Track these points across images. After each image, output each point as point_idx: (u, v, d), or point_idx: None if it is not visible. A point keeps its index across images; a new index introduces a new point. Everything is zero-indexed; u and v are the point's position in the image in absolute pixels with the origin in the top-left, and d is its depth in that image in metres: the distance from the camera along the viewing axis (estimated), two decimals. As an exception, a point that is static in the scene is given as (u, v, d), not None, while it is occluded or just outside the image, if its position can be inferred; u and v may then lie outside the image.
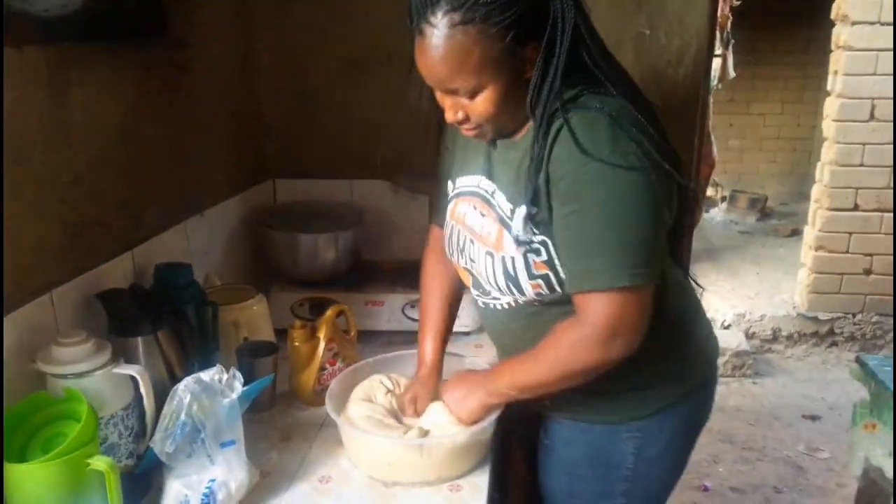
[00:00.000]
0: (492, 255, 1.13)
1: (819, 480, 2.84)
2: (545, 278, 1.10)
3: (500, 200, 1.13)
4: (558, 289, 1.10)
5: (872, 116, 3.61)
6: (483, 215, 1.16)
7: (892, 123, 3.60)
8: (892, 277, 3.80)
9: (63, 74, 1.17)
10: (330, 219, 1.91)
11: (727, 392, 3.53)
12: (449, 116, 1.08)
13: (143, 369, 1.10)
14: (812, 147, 6.17)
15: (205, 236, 1.68)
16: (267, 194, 2.05)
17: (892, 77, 3.52)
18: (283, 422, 1.38)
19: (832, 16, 3.66)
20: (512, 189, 1.11)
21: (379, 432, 1.20)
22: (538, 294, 1.12)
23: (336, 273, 1.86)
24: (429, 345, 1.34)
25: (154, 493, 1.11)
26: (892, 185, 3.69)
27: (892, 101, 3.56)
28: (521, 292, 1.13)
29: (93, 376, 1.05)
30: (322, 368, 1.42)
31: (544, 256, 1.08)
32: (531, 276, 1.10)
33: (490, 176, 1.17)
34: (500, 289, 1.16)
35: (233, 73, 1.86)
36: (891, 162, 3.65)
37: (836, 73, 3.67)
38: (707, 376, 1.29)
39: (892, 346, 3.87)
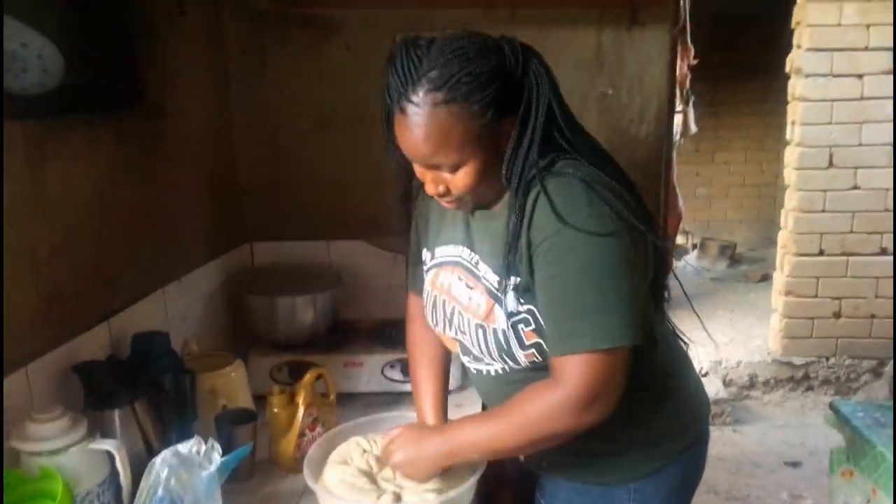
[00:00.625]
0: (483, 327, 1.13)
1: (803, 527, 2.84)
2: (537, 347, 1.10)
3: (486, 272, 1.14)
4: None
5: (831, 164, 3.74)
6: (470, 287, 1.16)
7: (851, 170, 3.73)
8: (861, 320, 3.88)
9: (40, 148, 1.18)
10: (308, 280, 1.92)
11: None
12: (430, 189, 1.10)
13: (120, 443, 1.09)
14: (776, 193, 6.34)
15: (183, 302, 1.67)
16: (245, 258, 2.06)
17: (850, 125, 3.67)
18: (263, 491, 1.36)
19: (787, 69, 3.82)
20: (497, 261, 1.11)
21: (353, 498, 1.18)
22: (532, 363, 1.12)
23: (315, 335, 1.85)
24: (429, 411, 1.31)
25: (131, 572, 1.08)
26: (852, 229, 3.80)
27: (850, 149, 3.70)
28: (516, 362, 1.13)
29: (68, 452, 1.04)
30: (302, 434, 1.41)
31: (533, 325, 1.09)
32: (523, 346, 1.10)
33: (471, 247, 1.18)
34: (493, 360, 1.16)
35: (208, 139, 1.88)
36: (851, 208, 3.77)
37: (793, 123, 3.81)
38: (700, 432, 1.29)
39: (865, 389, 3.92)
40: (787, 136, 3.89)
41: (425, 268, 1.28)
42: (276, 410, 1.41)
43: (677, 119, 3.12)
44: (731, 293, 5.31)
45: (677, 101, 2.93)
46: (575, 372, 1.02)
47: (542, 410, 1.05)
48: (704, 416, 1.31)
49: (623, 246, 1.02)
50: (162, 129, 1.62)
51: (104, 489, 1.08)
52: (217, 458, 1.09)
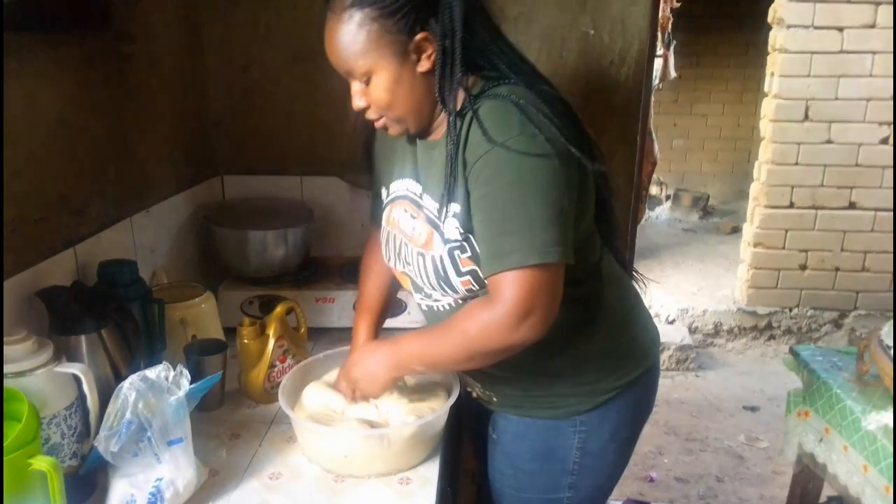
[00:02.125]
0: (423, 255, 1.16)
1: (758, 469, 2.95)
2: (473, 274, 1.12)
3: (428, 202, 1.16)
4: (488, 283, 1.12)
5: (807, 117, 3.76)
6: (413, 217, 1.18)
7: (826, 124, 3.76)
8: (826, 272, 3.97)
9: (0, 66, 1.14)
10: (279, 215, 1.90)
11: (672, 385, 3.64)
12: (354, 102, 1.12)
13: (87, 367, 1.08)
14: (751, 147, 6.38)
15: (151, 233, 1.65)
16: (215, 191, 2.02)
17: (827, 78, 3.68)
18: (232, 420, 1.37)
19: (769, 19, 3.80)
20: (437, 189, 1.13)
21: (333, 425, 1.20)
22: (469, 290, 1.14)
23: (286, 270, 1.84)
24: (363, 327, 1.36)
25: (99, 494, 1.09)
26: (823, 183, 3.85)
27: (826, 102, 3.72)
28: (454, 290, 1.15)
29: (34, 375, 1.03)
30: (272, 366, 1.41)
31: (469, 252, 1.11)
32: (459, 273, 1.12)
33: (417, 178, 1.20)
34: (434, 288, 1.18)
35: (178, 69, 1.82)
36: (824, 161, 3.82)
37: (772, 74, 3.81)
38: (647, 370, 1.31)
39: (826, 339, 4.04)
40: (766, 88, 3.90)
41: (383, 203, 1.29)
42: (246, 341, 1.41)
43: (657, 63, 3.09)
44: (702, 244, 5.39)
45: (658, 44, 2.89)
46: (506, 289, 1.03)
47: (478, 327, 1.07)
48: (652, 356, 1.33)
49: (552, 168, 1.02)
50: (129, 54, 1.56)
51: (71, 412, 1.07)
52: (186, 383, 1.09)
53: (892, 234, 3.79)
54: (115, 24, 1.49)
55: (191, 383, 1.11)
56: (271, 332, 1.42)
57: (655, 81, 3.06)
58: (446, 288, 1.15)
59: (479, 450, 1.44)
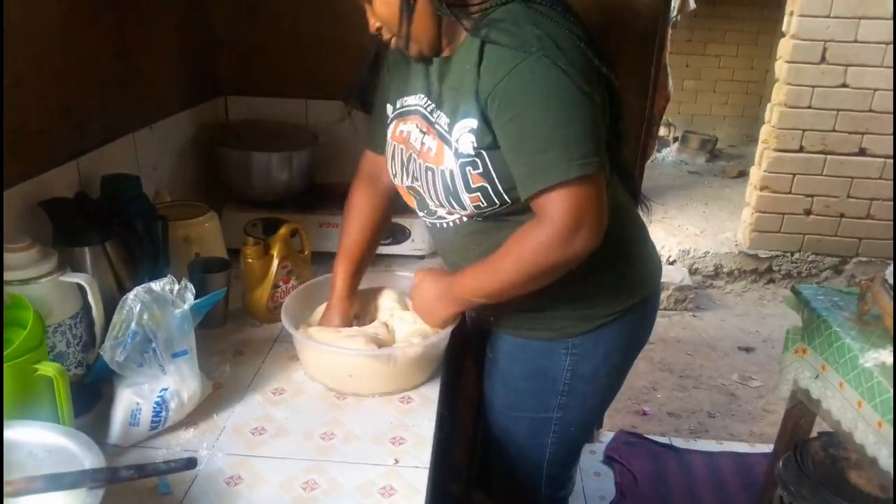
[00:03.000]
0: (432, 170, 1.15)
1: (749, 406, 3.01)
2: (483, 190, 1.11)
3: (439, 117, 1.14)
4: (496, 200, 1.12)
5: (823, 59, 3.67)
6: (424, 132, 1.17)
7: (842, 67, 3.68)
8: (830, 219, 3.95)
9: (-3, -33, 1.10)
10: (284, 139, 1.87)
11: (668, 324, 3.67)
12: (370, 26, 1.13)
13: (91, 278, 1.08)
14: (764, 91, 6.27)
15: (154, 150, 1.63)
16: (219, 111, 1.99)
17: (847, 20, 3.58)
18: (235, 337, 1.38)
19: (792, -44, 3.67)
20: (449, 104, 1.12)
21: (339, 343, 1.21)
22: (477, 207, 1.13)
23: (290, 194, 1.83)
24: (340, 273, 1.34)
25: (105, 403, 1.10)
26: (835, 128, 3.79)
27: (844, 45, 3.63)
28: (462, 206, 1.14)
29: (38, 283, 1.03)
30: (275, 286, 1.42)
31: (480, 169, 1.10)
32: (469, 189, 1.12)
33: (429, 94, 1.18)
34: (441, 204, 1.17)
35: (181, -19, 1.77)
36: (837, 105, 3.75)
37: (791, 13, 3.71)
38: (644, 296, 1.31)
39: (825, 284, 4.06)
40: (783, 28, 3.79)
41: (388, 119, 1.27)
42: (250, 261, 1.41)
43: (676, -7, 3.00)
44: (707, 187, 5.36)
45: (677, -26, 2.80)
46: (553, 206, 1.04)
47: (532, 248, 1.08)
48: (651, 286, 1.33)
49: (578, 80, 1.02)
50: (131, -38, 1.51)
51: (76, 321, 1.08)
52: (190, 297, 1.09)
53: (899, 182, 3.76)
54: (116, -71, 1.43)
55: (196, 299, 1.11)
56: (275, 252, 1.42)
57: (673, 13, 2.96)
58: (454, 203, 1.15)
59: (479, 370, 1.46)
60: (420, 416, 1.16)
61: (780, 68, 3.80)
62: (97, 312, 1.09)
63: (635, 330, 1.34)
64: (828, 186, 3.89)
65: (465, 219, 1.19)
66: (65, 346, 1.07)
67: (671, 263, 4.08)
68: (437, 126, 1.14)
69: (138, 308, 1.03)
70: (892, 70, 3.64)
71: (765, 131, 3.95)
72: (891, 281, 1.52)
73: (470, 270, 1.19)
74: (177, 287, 1.09)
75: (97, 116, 1.40)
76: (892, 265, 1.55)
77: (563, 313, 1.25)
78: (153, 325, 1.04)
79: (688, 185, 5.37)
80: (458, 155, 1.10)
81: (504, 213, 1.15)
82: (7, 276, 1.01)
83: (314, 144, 1.89)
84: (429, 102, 1.17)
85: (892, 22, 3.55)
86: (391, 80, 1.28)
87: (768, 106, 3.94)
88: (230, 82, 1.99)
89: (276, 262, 1.41)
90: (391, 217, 1.44)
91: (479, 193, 1.12)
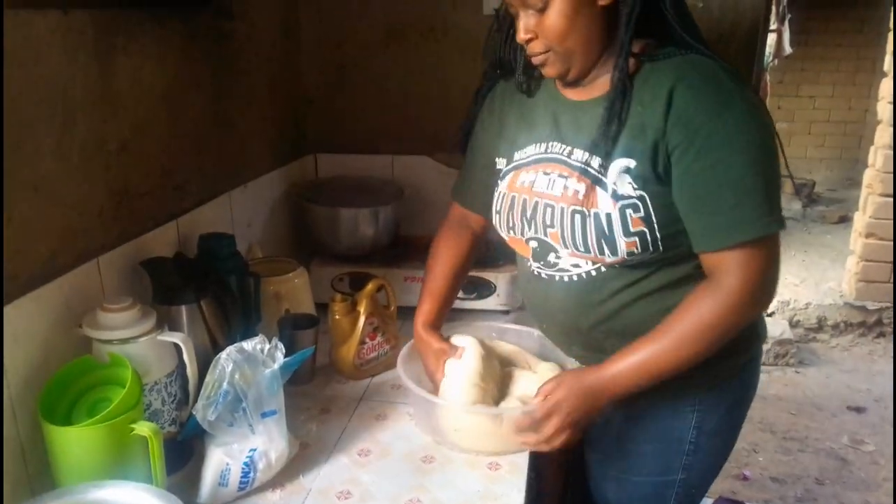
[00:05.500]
0: (581, 213, 1.08)
1: (863, 473, 2.77)
2: (641, 236, 1.06)
3: (583, 158, 1.09)
4: (651, 246, 1.06)
5: (931, 99, 3.46)
6: (565, 176, 1.11)
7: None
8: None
9: (109, 40, 1.17)
10: (370, 194, 1.90)
11: (769, 380, 3.45)
12: (519, 35, 1.06)
13: (187, 337, 1.10)
14: (863, 131, 5.98)
15: (248, 208, 1.68)
16: (308, 169, 2.05)
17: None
18: (322, 394, 1.38)
19: (891, -7, 3.51)
20: (596, 145, 1.07)
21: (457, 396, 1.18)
22: (630, 253, 1.07)
23: (376, 248, 1.85)
24: (423, 313, 1.30)
25: (196, 461, 1.11)
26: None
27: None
28: (614, 251, 1.07)
29: (137, 342, 1.06)
30: (362, 342, 1.42)
31: (642, 213, 1.05)
32: (627, 234, 1.06)
33: (561, 139, 1.14)
34: (587, 250, 1.10)
35: (274, 45, 1.84)
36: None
37: (893, 53, 3.53)
38: (757, 350, 1.27)
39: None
40: (885, 68, 3.61)
41: (501, 172, 1.23)
42: (337, 317, 1.41)
43: (771, 38, 2.90)
44: (807, 234, 5.10)
45: (772, 18, 2.71)
46: (744, 263, 1.01)
47: (709, 312, 1.03)
48: (762, 335, 1.28)
49: (772, 133, 1.01)
50: (228, 31, 1.58)
51: (172, 380, 1.10)
52: (280, 356, 1.10)
53: None
54: (216, 1, 1.51)
55: (284, 356, 1.12)
56: (362, 308, 1.42)
57: (769, 58, 2.87)
58: (606, 248, 1.07)
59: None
60: (509, 484, 1.11)
61: (884, 109, 3.61)
62: (191, 371, 1.10)
63: (752, 380, 1.28)
64: (943, 233, 3.62)
65: (596, 271, 1.13)
66: (160, 405, 1.09)
67: (770, 315, 3.87)
68: (581, 167, 1.09)
69: (230, 367, 1.04)
70: None
71: (869, 175, 3.73)
72: None
73: (626, 355, 1.07)
74: (267, 346, 1.10)
75: (195, 178, 1.46)
76: None
77: (693, 370, 1.14)
78: (244, 385, 1.05)
79: (785, 232, 5.09)
80: (616, 197, 1.05)
81: (650, 264, 1.10)
82: (108, 335, 1.05)
83: (400, 198, 1.91)
84: (564, 147, 1.13)
85: None
86: (500, 132, 1.25)
87: (871, 149, 3.73)
88: (319, 140, 2.05)
89: (362, 319, 1.41)
90: (471, 267, 1.40)
91: (636, 238, 1.06)
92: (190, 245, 1.38)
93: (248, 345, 1.08)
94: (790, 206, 5.77)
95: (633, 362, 1.07)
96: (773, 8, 2.72)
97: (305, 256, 1.82)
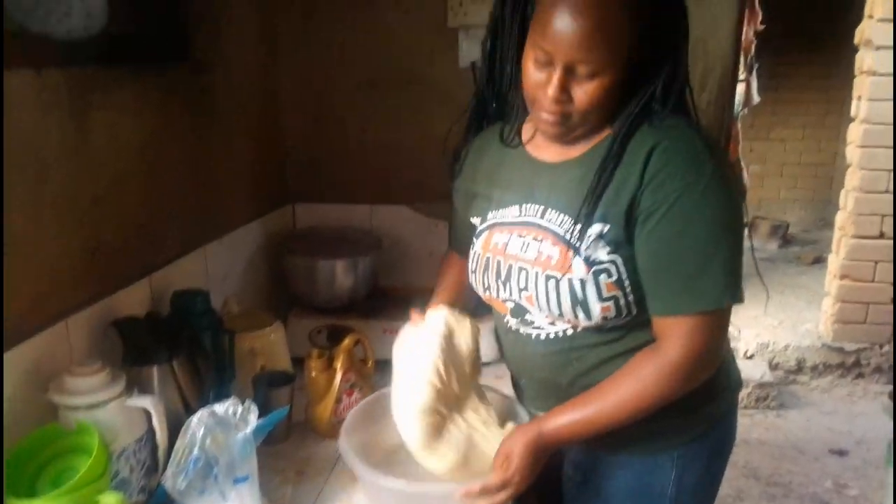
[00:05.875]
0: (556, 279, 1.07)
1: (848, 518, 2.75)
2: (615, 300, 1.06)
3: (557, 220, 1.09)
4: (624, 310, 1.06)
5: (898, 142, 3.54)
6: (538, 240, 1.10)
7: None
8: (920, 308, 3.71)
9: (84, 98, 1.16)
10: (349, 244, 1.89)
11: (751, 424, 3.44)
12: (553, 94, 1.00)
13: (158, 401, 1.07)
14: (833, 173, 6.10)
15: (224, 261, 1.66)
16: (287, 219, 2.03)
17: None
18: (298, 455, 1.35)
19: (855, 41, 3.61)
20: (572, 207, 1.06)
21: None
22: (604, 318, 1.07)
23: (354, 299, 1.83)
24: (439, 294, 1.31)
25: (165, 530, 1.07)
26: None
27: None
28: (588, 316, 1.07)
29: (105, 408, 1.03)
30: (339, 400, 1.39)
31: (614, 277, 1.05)
32: (601, 299, 1.05)
33: (535, 200, 1.13)
34: (561, 314, 1.09)
35: (254, 97, 1.85)
36: (918, 190, 3.58)
37: (860, 98, 3.62)
38: (733, 401, 1.26)
39: (920, 378, 3.77)
40: (852, 113, 3.70)
41: (476, 231, 1.23)
42: (314, 374, 1.39)
43: (740, 88, 2.97)
44: (782, 275, 5.14)
45: (741, 68, 2.78)
46: (689, 334, 1.01)
47: (650, 380, 1.03)
48: (734, 386, 1.27)
49: (740, 206, 1.02)
50: (208, 84, 1.59)
51: (140, 446, 1.07)
52: (253, 419, 1.07)
53: None
54: (194, 54, 1.51)
55: (258, 417, 1.09)
56: (339, 364, 1.40)
57: (738, 107, 2.93)
58: (580, 313, 1.07)
59: (545, 497, 1.36)
60: (490, 548, 1.08)
61: (853, 153, 3.68)
62: (161, 436, 1.07)
63: (731, 429, 1.26)
64: (915, 274, 3.67)
65: (572, 330, 1.12)
66: (128, 472, 1.05)
67: (749, 358, 3.87)
68: (555, 230, 1.08)
69: (201, 432, 1.01)
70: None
71: (841, 217, 3.80)
72: None
73: (568, 410, 1.08)
74: (240, 409, 1.07)
75: (171, 232, 1.44)
76: None
77: (668, 422, 1.14)
78: (215, 450, 1.02)
79: (762, 274, 5.17)
80: (590, 262, 1.05)
81: (625, 325, 1.09)
82: (75, 401, 1.02)
83: (378, 249, 1.90)
84: (537, 208, 1.12)
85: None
86: (475, 188, 1.24)
87: (842, 192, 3.80)
88: (298, 190, 2.04)
89: (339, 376, 1.39)
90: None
91: (610, 303, 1.06)
92: (163, 301, 1.35)
93: (219, 408, 1.05)
94: (766, 247, 5.85)
95: (574, 419, 1.07)
96: (742, 59, 2.79)
97: (283, 308, 1.80)
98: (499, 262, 1.15)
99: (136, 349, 1.17)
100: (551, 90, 1.01)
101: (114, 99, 1.24)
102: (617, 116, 1.05)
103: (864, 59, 3.56)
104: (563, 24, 0.96)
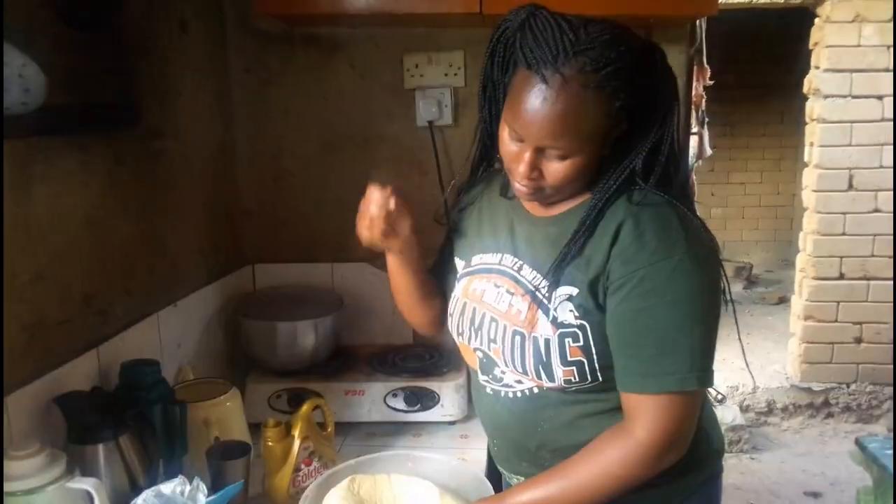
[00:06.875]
0: (522, 335, 1.07)
1: (826, 563, 2.72)
2: (578, 365, 1.04)
3: (531, 276, 1.08)
4: (589, 377, 1.05)
5: (851, 186, 3.66)
6: (511, 293, 1.10)
7: (872, 193, 3.64)
8: (883, 346, 3.76)
9: (25, 170, 1.14)
10: (310, 304, 1.86)
11: (726, 469, 3.40)
12: (522, 171, 1.00)
13: (100, 483, 1.03)
14: (793, 214, 6.25)
15: (178, 328, 1.61)
16: (245, 280, 2.00)
17: (870, 147, 3.59)
18: (254, 530, 1.29)
19: (804, 90, 3.75)
20: (544, 265, 1.06)
21: None
22: (567, 381, 1.05)
23: (315, 361, 1.79)
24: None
25: None
26: (874, 253, 3.70)
27: (870, 171, 3.62)
28: (551, 378, 1.06)
29: (45, 492, 0.98)
30: (297, 469, 1.34)
31: (581, 342, 1.03)
32: (564, 362, 1.04)
33: (514, 252, 1.13)
34: (525, 372, 1.08)
35: (209, 160, 1.83)
36: (873, 231, 3.68)
37: (812, 144, 3.74)
38: (717, 467, 1.24)
39: (888, 416, 3.80)
40: (805, 158, 3.82)
41: (458, 276, 1.22)
42: (270, 444, 1.34)
43: (693, 141, 3.05)
44: (748, 316, 5.21)
45: (693, 123, 2.86)
46: (655, 414, 0.99)
47: (616, 461, 1.01)
48: (720, 450, 1.26)
49: (716, 289, 1.00)
50: (160, 150, 1.57)
51: (82, 531, 1.01)
52: (202, 498, 1.03)
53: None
54: (146, 121, 1.50)
55: (213, 490, 1.05)
56: (296, 432, 1.35)
57: (692, 160, 3.01)
58: (543, 374, 1.06)
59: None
60: None
61: (809, 197, 3.78)
62: (104, 520, 1.02)
63: (715, 496, 1.25)
64: (876, 313, 3.74)
65: (542, 388, 1.10)
66: (68, 560, 0.99)
67: (720, 401, 3.87)
68: (527, 286, 1.08)
69: (146, 515, 0.97)
70: (924, 192, 3.59)
71: (801, 259, 3.87)
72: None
73: (530, 487, 1.06)
74: (188, 488, 1.03)
75: (120, 301, 1.40)
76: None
77: (652, 491, 1.10)
78: (162, 533, 0.97)
79: (727, 314, 5.23)
80: (557, 324, 1.03)
81: (590, 390, 1.07)
82: (12, 485, 0.97)
83: (339, 308, 1.88)
84: (515, 261, 1.12)
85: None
86: (461, 235, 1.25)
87: (801, 234, 3.89)
88: (257, 251, 2.02)
89: (297, 444, 1.34)
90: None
91: (574, 367, 1.04)
92: (112, 373, 1.31)
93: (166, 488, 1.01)
94: (731, 288, 5.91)
95: (534, 498, 1.04)
96: (693, 113, 2.87)
97: (240, 374, 1.75)
98: (474, 309, 1.15)
99: (79, 427, 1.12)
100: (522, 167, 1.01)
101: (57, 170, 1.22)
102: (599, 182, 1.03)
103: (814, 108, 3.69)
104: (532, 110, 0.95)
